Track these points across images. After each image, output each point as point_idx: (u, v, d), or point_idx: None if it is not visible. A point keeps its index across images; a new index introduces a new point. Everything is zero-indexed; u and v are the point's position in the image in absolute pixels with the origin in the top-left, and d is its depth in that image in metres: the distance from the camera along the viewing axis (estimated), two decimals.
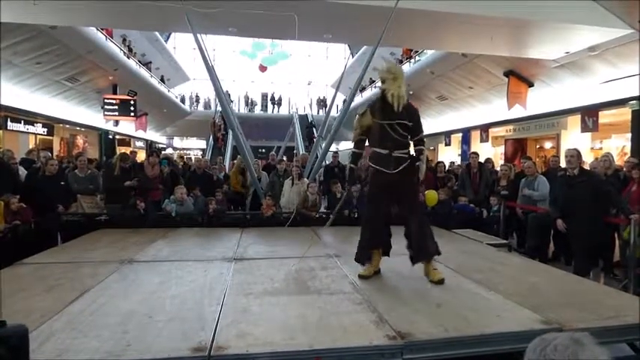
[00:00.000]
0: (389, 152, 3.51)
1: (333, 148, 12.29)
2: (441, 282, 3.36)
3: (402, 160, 3.52)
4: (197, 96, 28.83)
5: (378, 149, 3.57)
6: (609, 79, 9.57)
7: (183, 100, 27.51)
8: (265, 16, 7.37)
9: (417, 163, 3.52)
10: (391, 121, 3.48)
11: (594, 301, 3.01)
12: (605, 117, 10.06)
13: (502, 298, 3.00)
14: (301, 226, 6.13)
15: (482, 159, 8.05)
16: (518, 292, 3.12)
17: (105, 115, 16.39)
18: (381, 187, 3.62)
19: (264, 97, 30.07)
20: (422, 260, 3.52)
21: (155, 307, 2.78)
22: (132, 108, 16.67)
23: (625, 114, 9.44)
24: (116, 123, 17.66)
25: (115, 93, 16.49)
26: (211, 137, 15.19)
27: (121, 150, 16.27)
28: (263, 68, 24.31)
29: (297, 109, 27.51)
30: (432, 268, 3.50)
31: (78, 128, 16.60)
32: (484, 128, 14.84)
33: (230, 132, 12.89)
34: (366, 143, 3.81)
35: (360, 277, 3.50)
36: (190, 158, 13.50)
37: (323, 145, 9.06)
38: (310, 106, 30.10)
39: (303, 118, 26.23)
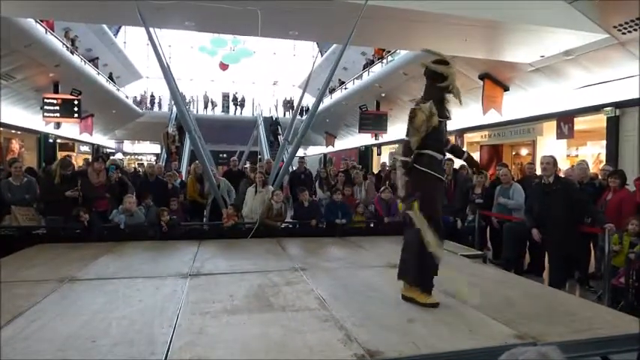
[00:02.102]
0: (443, 157, 3.48)
1: (300, 153, 12.33)
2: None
3: (446, 165, 3.54)
4: (152, 96, 28.29)
5: (435, 153, 3.40)
6: (584, 84, 10.06)
7: (139, 102, 27.02)
8: (225, 10, 7.34)
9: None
10: (448, 120, 3.48)
11: (569, 313, 3.15)
12: (580, 123, 10.55)
13: (476, 312, 3.09)
14: (265, 237, 6.12)
15: (456, 165, 8.25)
16: (493, 306, 3.23)
17: (45, 116, 15.78)
18: (439, 197, 3.44)
19: (226, 97, 29.80)
20: None
21: (99, 330, 2.70)
22: (76, 108, 16.10)
23: (600, 121, 9.93)
24: (58, 125, 17.03)
25: (56, 92, 15.92)
26: (164, 150, 14.67)
27: (62, 155, 15.70)
28: (224, 66, 24.17)
29: (261, 111, 27.40)
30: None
31: (13, 131, 15.93)
32: (459, 133, 15.24)
33: (187, 136, 12.63)
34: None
35: (431, 305, 3.24)
36: (142, 164, 13.08)
37: (289, 150, 9.07)
38: (276, 107, 30.07)
39: (268, 121, 26.20)
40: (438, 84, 3.40)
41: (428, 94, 3.45)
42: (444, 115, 3.42)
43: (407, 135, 3.38)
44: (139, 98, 27.41)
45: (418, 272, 3.33)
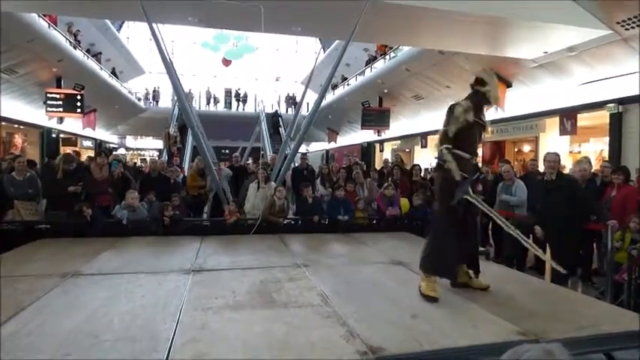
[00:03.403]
0: (471, 157, 3.53)
1: (302, 149, 12.31)
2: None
3: (476, 168, 3.61)
4: (156, 91, 28.16)
5: (463, 152, 3.47)
6: (587, 81, 10.00)
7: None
8: (228, 6, 7.31)
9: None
10: (483, 122, 3.58)
11: (571, 310, 3.13)
12: (583, 120, 10.49)
13: (479, 309, 3.08)
14: (267, 233, 6.11)
15: None
16: (495, 302, 3.22)
17: (48, 111, 15.81)
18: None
19: (228, 93, 29.73)
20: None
21: (102, 325, 2.69)
22: (78, 103, 16.14)
23: (603, 117, 9.87)
24: (60, 120, 17.06)
25: (59, 86, 15.94)
26: (165, 152, 14.54)
27: (65, 150, 15.72)
28: (226, 62, 24.13)
29: (264, 107, 27.34)
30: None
31: (16, 126, 15.94)
32: None
33: (190, 132, 12.57)
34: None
35: (429, 298, 3.28)
36: (145, 159, 13.02)
37: (292, 146, 9.05)
38: (278, 103, 30.00)
39: (270, 116, 26.14)
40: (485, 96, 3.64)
41: (470, 98, 3.65)
42: (479, 117, 3.56)
43: (444, 126, 3.55)
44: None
45: (433, 258, 3.44)
